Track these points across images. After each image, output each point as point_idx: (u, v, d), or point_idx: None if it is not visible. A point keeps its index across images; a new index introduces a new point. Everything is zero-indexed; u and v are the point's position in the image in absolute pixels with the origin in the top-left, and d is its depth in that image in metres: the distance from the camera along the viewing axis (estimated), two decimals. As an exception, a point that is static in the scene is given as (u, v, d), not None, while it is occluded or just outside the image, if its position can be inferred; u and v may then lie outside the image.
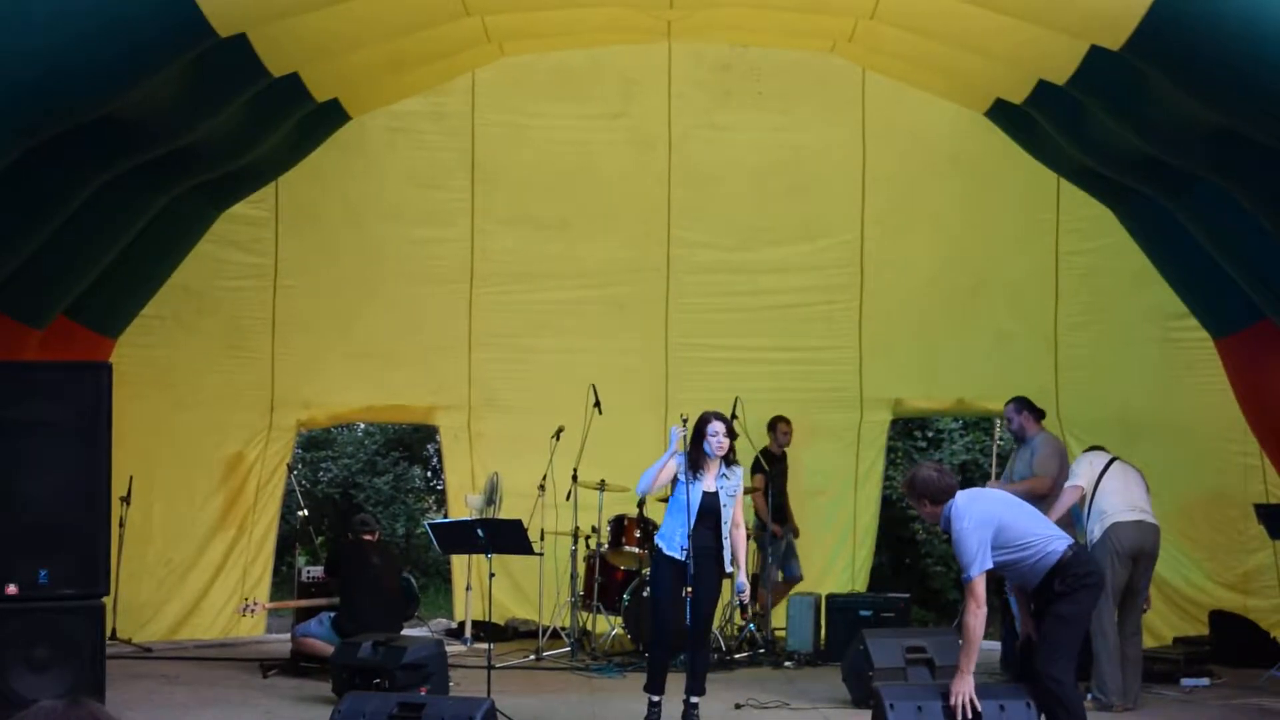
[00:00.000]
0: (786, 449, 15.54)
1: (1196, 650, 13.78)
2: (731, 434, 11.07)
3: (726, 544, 10.91)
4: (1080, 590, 9.25)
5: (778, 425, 15.45)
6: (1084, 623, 9.51)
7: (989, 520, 9.16)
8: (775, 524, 15.17)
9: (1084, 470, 12.18)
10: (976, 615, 9.13)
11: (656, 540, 11.19)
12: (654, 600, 11.48)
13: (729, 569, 10.99)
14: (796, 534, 15.70)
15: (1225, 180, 11.56)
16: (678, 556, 10.78)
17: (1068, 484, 12.11)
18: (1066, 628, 9.28)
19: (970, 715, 9.19)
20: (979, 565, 9.05)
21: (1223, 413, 14.58)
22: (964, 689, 9.22)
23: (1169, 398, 15.30)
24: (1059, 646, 9.24)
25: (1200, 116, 10.80)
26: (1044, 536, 9.34)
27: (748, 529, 11.58)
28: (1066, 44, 11.26)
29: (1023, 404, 13.31)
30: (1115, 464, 12.19)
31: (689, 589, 10.62)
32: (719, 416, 11.03)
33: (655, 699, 10.97)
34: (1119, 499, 11.91)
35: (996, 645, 13.83)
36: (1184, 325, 14.93)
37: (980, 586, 9.11)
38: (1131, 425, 15.31)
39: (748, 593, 11.11)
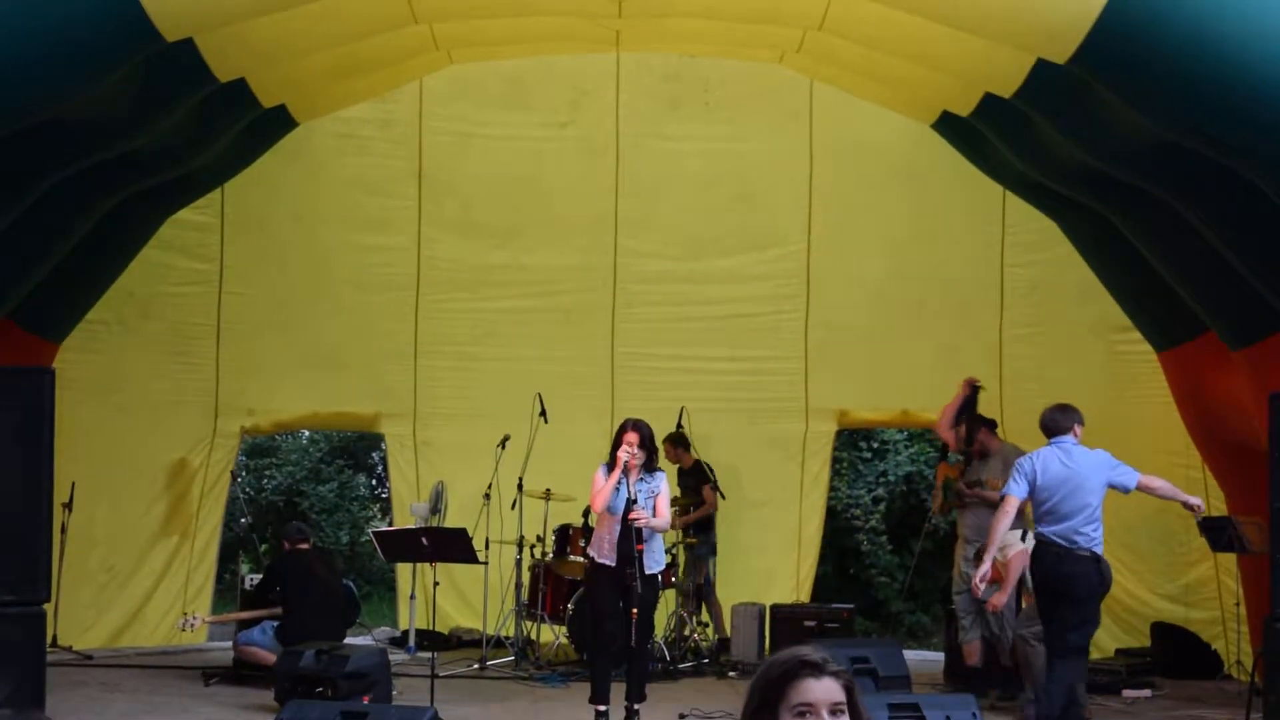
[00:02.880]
0: (691, 463, 15.37)
1: (1138, 662, 13.88)
2: (648, 445, 11.16)
3: (647, 546, 11.00)
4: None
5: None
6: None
7: (1033, 471, 11.02)
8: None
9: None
10: (997, 518, 11.14)
11: (588, 551, 11.31)
12: (592, 609, 11.57)
13: (651, 570, 11.08)
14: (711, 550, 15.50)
15: (1170, 194, 11.64)
16: (608, 563, 10.92)
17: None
18: None
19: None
20: (1008, 489, 11.13)
21: (1166, 425, 14.65)
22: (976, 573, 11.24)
23: (1112, 410, 15.31)
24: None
25: (1145, 130, 10.87)
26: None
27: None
28: (1013, 57, 11.32)
29: (988, 424, 13.47)
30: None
31: (635, 610, 10.71)
32: (637, 426, 11.14)
33: (602, 709, 11.05)
34: None
35: (940, 656, 13.87)
36: (1128, 338, 15.02)
37: (1008, 503, 11.08)
38: (1075, 437, 15.40)
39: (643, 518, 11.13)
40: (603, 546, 11.05)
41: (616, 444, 11.15)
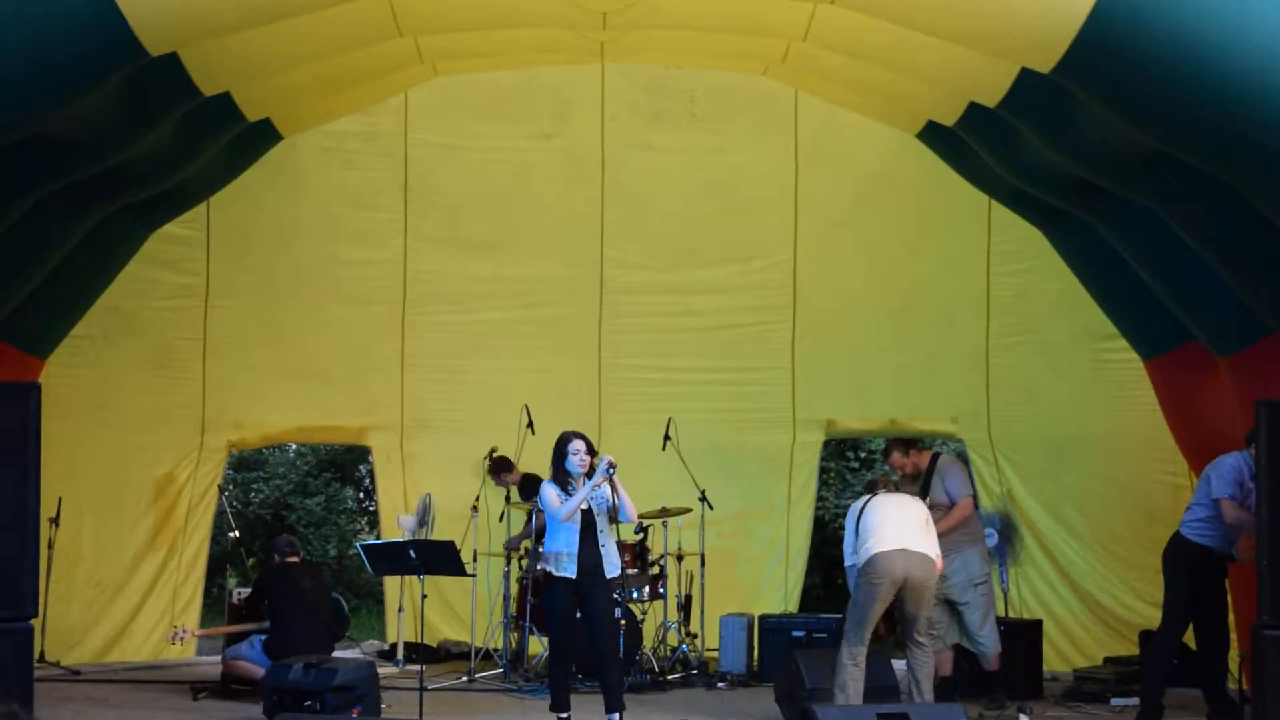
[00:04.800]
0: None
1: (1127, 670, 13.85)
2: (592, 451, 11.28)
3: (604, 552, 11.09)
4: None
5: None
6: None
7: None
8: None
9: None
10: None
11: (543, 565, 11.41)
12: (549, 621, 11.66)
13: (610, 574, 11.18)
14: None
15: (1155, 202, 11.66)
16: (569, 575, 11.01)
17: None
18: None
19: None
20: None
21: (1152, 433, 14.66)
22: None
23: (1099, 418, 15.38)
24: None
25: (1130, 139, 10.89)
26: None
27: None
28: (997, 67, 11.34)
29: (908, 444, 13.33)
30: (875, 499, 12.09)
31: (623, 621, 10.81)
32: (579, 435, 11.27)
33: (563, 716, 11.24)
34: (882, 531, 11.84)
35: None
36: (1113, 346, 15.02)
37: None
38: (1061, 445, 15.43)
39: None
40: (561, 559, 11.14)
41: (561, 456, 11.23)
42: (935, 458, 13.22)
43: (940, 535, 11.97)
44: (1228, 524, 11.83)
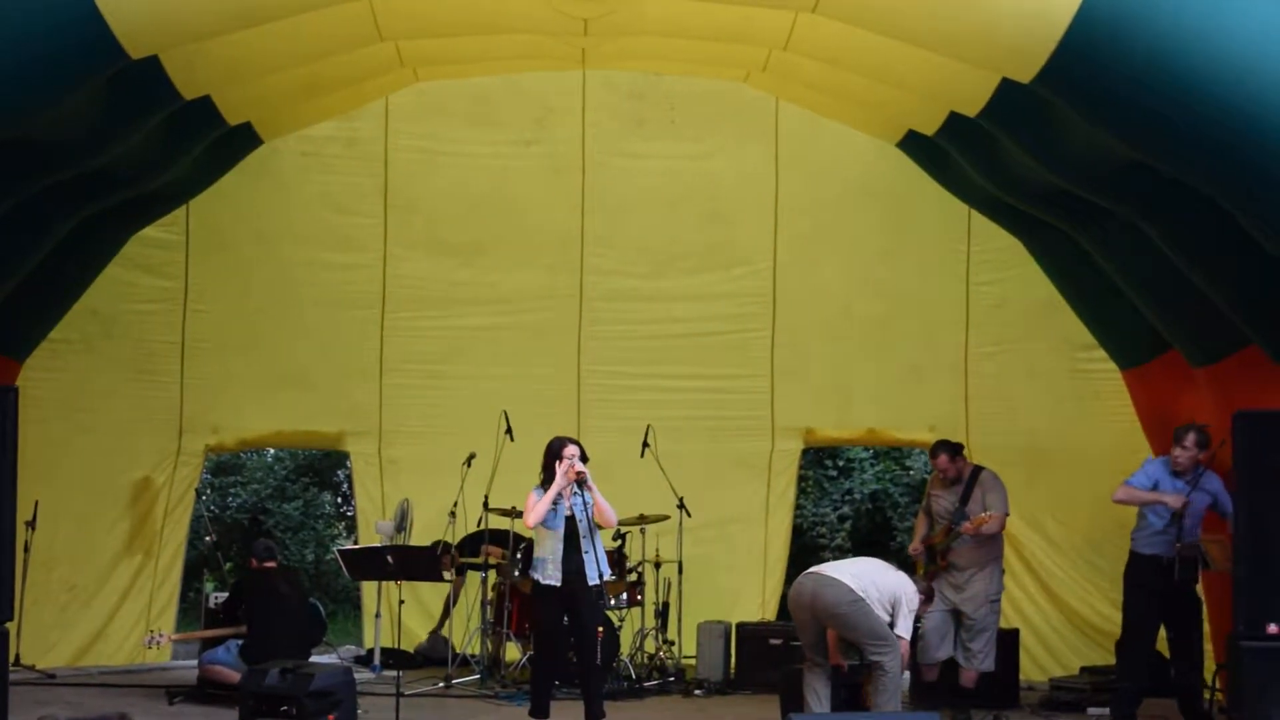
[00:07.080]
0: None
1: (1103, 679, 13.87)
2: (584, 458, 11.35)
3: (587, 559, 11.14)
4: None
5: None
6: None
7: None
8: None
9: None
10: None
11: (531, 573, 11.44)
12: (536, 630, 11.72)
13: (593, 581, 11.24)
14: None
15: (1135, 213, 11.69)
16: (554, 583, 11.06)
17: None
18: None
19: None
20: None
21: (1130, 443, 14.67)
22: None
23: (1077, 428, 15.41)
24: None
25: (1110, 150, 10.91)
26: None
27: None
28: (978, 76, 11.34)
29: (955, 448, 13.34)
30: None
31: (600, 629, 10.85)
32: (574, 441, 11.34)
33: None
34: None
35: (906, 675, 13.87)
36: (1092, 356, 15.07)
37: None
38: (1040, 455, 15.42)
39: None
40: (546, 567, 11.17)
41: (550, 462, 11.28)
42: (978, 470, 13.20)
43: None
44: (1116, 501, 12.30)
